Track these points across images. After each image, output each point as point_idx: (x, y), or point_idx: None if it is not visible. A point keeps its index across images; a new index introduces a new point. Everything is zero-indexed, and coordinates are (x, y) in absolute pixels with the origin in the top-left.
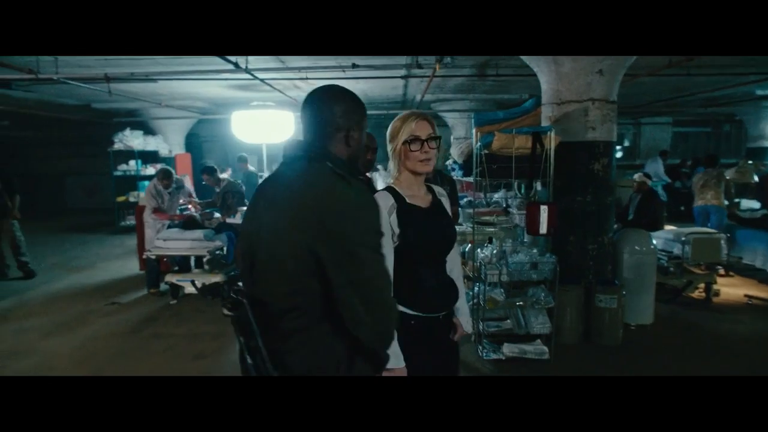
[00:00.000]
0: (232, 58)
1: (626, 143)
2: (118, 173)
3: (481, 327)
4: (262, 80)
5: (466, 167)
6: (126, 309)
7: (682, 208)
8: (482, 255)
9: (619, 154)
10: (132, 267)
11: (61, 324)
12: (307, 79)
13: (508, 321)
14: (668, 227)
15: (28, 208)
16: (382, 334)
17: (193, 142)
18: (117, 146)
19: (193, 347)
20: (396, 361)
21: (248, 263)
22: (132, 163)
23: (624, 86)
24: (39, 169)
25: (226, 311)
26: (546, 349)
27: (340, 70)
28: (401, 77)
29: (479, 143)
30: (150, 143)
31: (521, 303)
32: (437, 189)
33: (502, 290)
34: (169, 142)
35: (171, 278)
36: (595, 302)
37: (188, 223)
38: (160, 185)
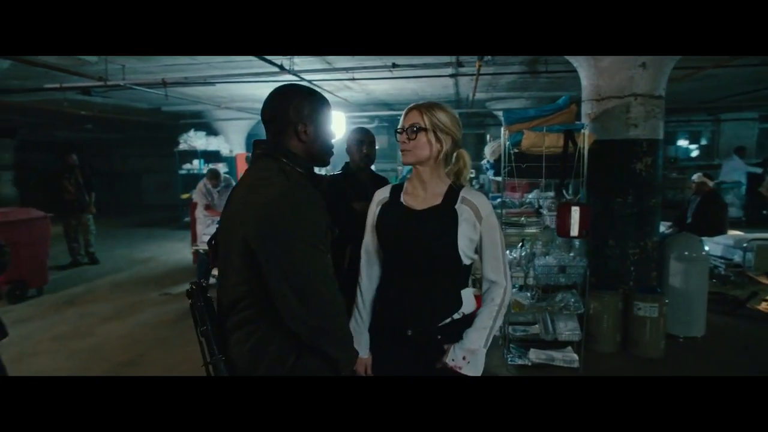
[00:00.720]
0: (277, 60)
1: (703, 141)
2: (183, 172)
3: (507, 331)
4: (309, 81)
5: (496, 166)
6: (176, 299)
7: (765, 212)
8: (511, 257)
9: (694, 153)
10: (188, 260)
11: (119, 310)
12: (354, 79)
13: (537, 326)
14: (733, 233)
15: (108, 204)
16: (319, 328)
17: None
18: (182, 146)
19: None
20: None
21: (218, 256)
22: (195, 162)
23: (690, 81)
24: (119, 168)
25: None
26: (576, 357)
27: (387, 70)
28: (447, 75)
29: (508, 142)
30: (212, 143)
31: (548, 308)
32: (469, 196)
33: (528, 294)
34: (231, 142)
35: (216, 271)
36: (634, 310)
37: None
38: (209, 184)
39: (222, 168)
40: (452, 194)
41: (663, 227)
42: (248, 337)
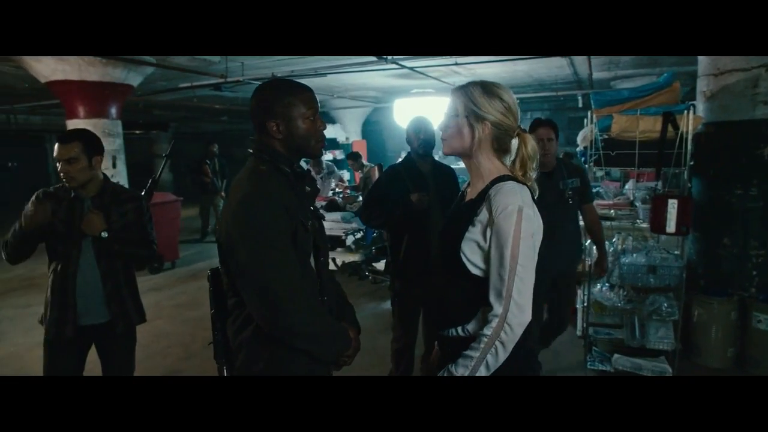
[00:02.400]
0: None
1: None
2: (304, 160)
3: (588, 332)
4: (411, 69)
5: (587, 154)
6: None
7: None
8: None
9: None
10: None
11: None
12: (457, 64)
13: (623, 329)
14: None
15: None
16: (285, 328)
17: (371, 129)
18: None
19: None
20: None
21: None
22: None
23: None
24: None
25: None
26: (669, 368)
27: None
28: (560, 55)
29: (596, 127)
30: (329, 131)
31: (636, 311)
32: (495, 192)
33: (613, 294)
34: (347, 130)
35: None
36: (753, 323)
37: (330, 206)
38: (312, 171)
39: (339, 155)
40: (485, 190)
41: None
42: (234, 320)
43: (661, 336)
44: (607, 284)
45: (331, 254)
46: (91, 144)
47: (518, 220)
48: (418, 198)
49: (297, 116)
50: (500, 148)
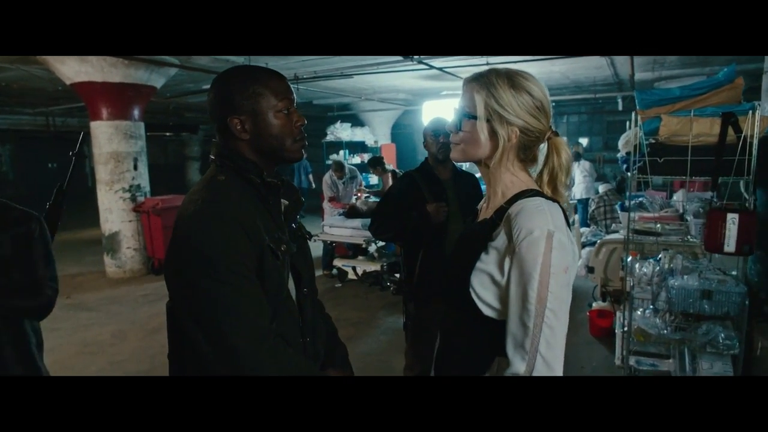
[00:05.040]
0: None
1: None
2: (329, 162)
3: (629, 362)
4: (441, 69)
5: (629, 160)
6: None
7: None
8: (642, 271)
9: None
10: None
11: None
12: (488, 64)
13: (671, 361)
14: None
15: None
16: (235, 369)
17: (400, 132)
18: (329, 138)
19: None
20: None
21: None
22: (341, 152)
23: None
24: None
25: None
26: None
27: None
28: (599, 54)
29: (641, 130)
30: (357, 134)
31: (686, 341)
32: (516, 211)
33: (659, 320)
34: (376, 133)
35: (338, 263)
36: None
37: (351, 212)
38: (334, 176)
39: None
40: (504, 209)
41: None
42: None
43: (717, 371)
44: (651, 308)
45: (352, 263)
46: None
47: (547, 250)
48: (436, 208)
49: (266, 109)
50: (527, 157)
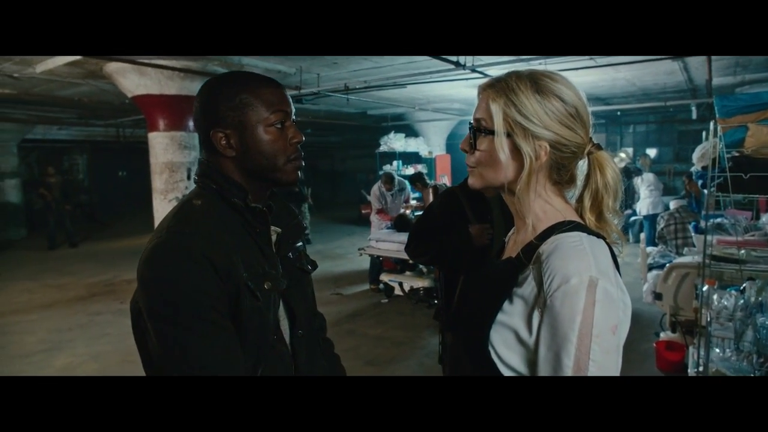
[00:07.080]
0: (452, 57)
1: None
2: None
3: None
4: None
5: (706, 176)
6: (344, 300)
7: None
8: (722, 303)
9: None
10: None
11: None
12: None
13: None
14: None
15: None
16: None
17: (455, 143)
18: (382, 148)
19: (373, 351)
20: None
21: None
22: (395, 163)
23: None
24: (339, 167)
25: None
26: None
27: (588, 57)
28: (669, 58)
29: (722, 142)
30: (411, 145)
31: None
32: (548, 252)
33: (743, 361)
34: (431, 143)
35: (384, 278)
36: None
37: (399, 224)
38: (383, 188)
39: (422, 169)
40: (535, 246)
41: None
42: None
43: None
44: (734, 347)
45: (399, 278)
46: None
47: (588, 304)
48: (479, 230)
49: (255, 122)
50: (562, 178)
